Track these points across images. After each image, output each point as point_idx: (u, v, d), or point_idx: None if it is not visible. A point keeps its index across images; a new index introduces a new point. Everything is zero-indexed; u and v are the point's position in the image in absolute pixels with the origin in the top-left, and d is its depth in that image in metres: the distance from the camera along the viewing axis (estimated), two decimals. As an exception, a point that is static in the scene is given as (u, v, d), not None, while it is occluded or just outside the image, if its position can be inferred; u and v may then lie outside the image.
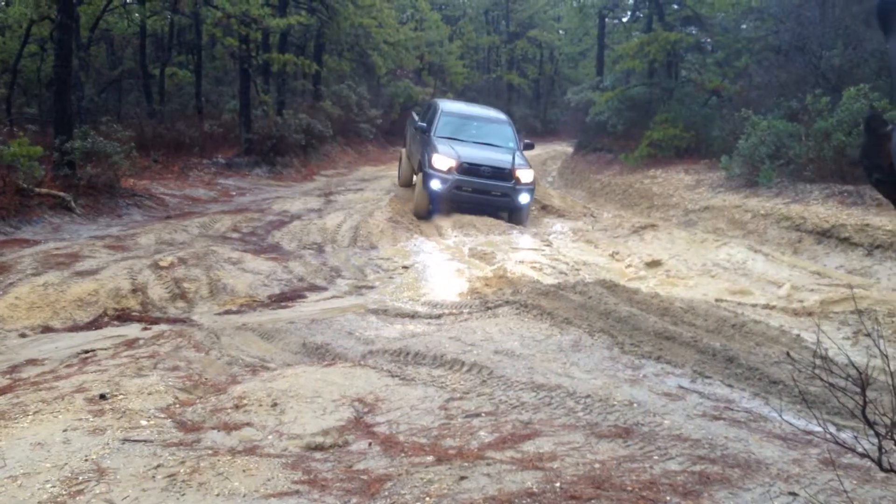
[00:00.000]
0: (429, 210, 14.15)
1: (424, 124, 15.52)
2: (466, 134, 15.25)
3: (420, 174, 14.34)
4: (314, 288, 9.58)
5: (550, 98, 42.31)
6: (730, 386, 4.93)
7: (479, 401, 4.58)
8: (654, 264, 10.68)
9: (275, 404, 4.61)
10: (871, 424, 2.68)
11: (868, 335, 6.21)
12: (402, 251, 11.97)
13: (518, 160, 14.34)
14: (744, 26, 24.44)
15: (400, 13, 31.74)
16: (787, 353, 5.03)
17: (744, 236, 12.54)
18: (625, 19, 28.61)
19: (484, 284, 9.31)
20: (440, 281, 9.98)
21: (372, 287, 9.78)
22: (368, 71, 29.29)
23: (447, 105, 16.63)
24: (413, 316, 7.75)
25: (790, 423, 4.31)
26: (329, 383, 4.92)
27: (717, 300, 7.61)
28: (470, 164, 13.89)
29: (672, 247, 11.77)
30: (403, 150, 17.96)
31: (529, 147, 16.06)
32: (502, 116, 16.84)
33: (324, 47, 26.10)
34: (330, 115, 24.31)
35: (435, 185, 13.79)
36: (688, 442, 3.90)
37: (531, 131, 32.28)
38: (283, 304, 8.67)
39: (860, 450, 3.98)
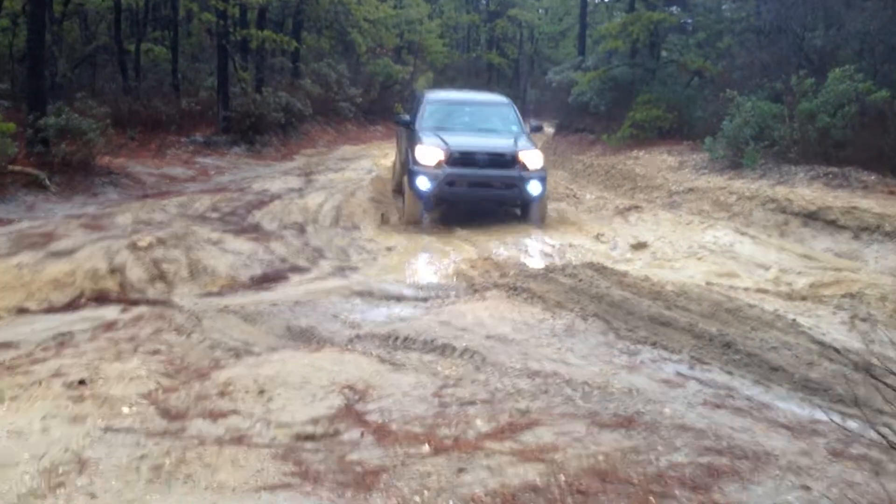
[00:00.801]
0: (422, 215, 11.92)
1: (406, 117, 13.43)
2: (458, 122, 13.03)
3: (406, 176, 12.12)
4: (297, 269, 9.37)
5: (531, 78, 42.09)
6: (729, 373, 4.83)
7: (474, 388, 4.44)
8: (639, 246, 10.57)
9: (262, 391, 4.45)
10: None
11: (864, 320, 6.13)
12: (385, 231, 11.79)
13: (522, 142, 12.21)
14: (724, 7, 24.35)
15: (379, -10, 31.34)
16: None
17: (729, 218, 12.45)
18: (607, -1, 28.44)
19: (470, 266, 9.16)
20: (425, 262, 9.82)
21: (356, 268, 9.59)
22: (348, 49, 28.94)
23: (433, 93, 14.60)
24: (399, 298, 7.58)
25: (794, 412, 4.21)
26: (317, 369, 4.76)
27: (708, 283, 7.50)
28: (462, 152, 11.74)
29: (657, 229, 11.66)
30: (396, 154, 15.41)
31: (538, 129, 14.02)
32: (501, 98, 14.59)
33: (302, 24, 25.70)
34: (309, 94, 23.97)
35: (422, 183, 11.53)
36: (692, 432, 3.79)
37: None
38: (265, 285, 8.47)
39: (865, 440, 3.90)
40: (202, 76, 23.98)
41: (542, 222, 11.89)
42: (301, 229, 11.61)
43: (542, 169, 11.97)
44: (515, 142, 12.19)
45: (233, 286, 8.30)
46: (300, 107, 22.45)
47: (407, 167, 12.02)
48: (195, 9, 20.54)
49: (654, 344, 5.27)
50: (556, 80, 26.40)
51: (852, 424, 4.10)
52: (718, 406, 4.22)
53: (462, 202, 12.17)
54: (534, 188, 11.66)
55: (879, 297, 7.17)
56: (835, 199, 11.77)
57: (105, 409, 4.32)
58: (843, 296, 7.31)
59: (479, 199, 12.16)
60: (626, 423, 3.88)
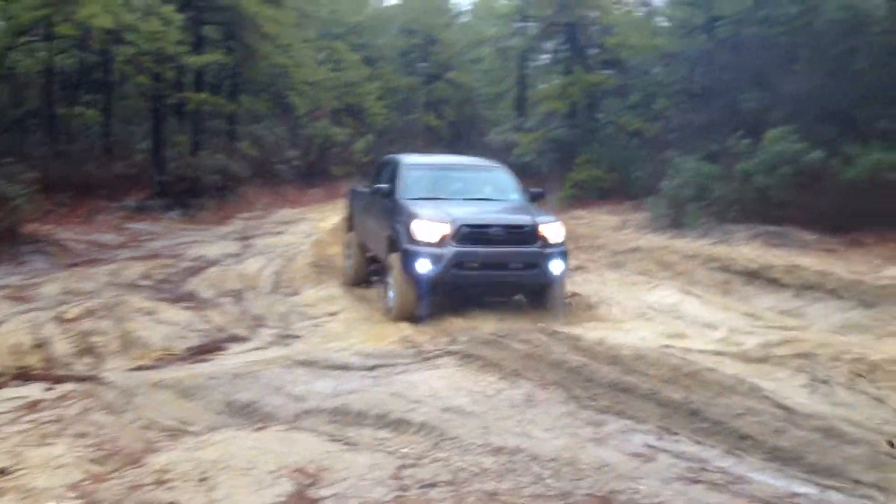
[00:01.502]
0: (419, 308, 9.52)
1: (384, 185, 10.79)
2: (448, 190, 10.78)
3: (394, 257, 9.71)
4: (235, 339, 9.00)
5: (469, 139, 42.37)
6: (698, 443, 4.61)
7: (435, 468, 4.13)
8: (587, 307, 10.44)
9: (203, 478, 4.06)
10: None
11: (825, 382, 6.02)
12: (327, 297, 11.46)
13: (537, 212, 10.27)
14: (655, 70, 24.97)
15: (318, 53, 31.35)
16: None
17: (672, 278, 12.44)
18: (544, 61, 28.94)
19: (416, 332, 8.89)
20: (369, 328, 9.51)
21: (298, 336, 9.25)
22: (286, 111, 28.74)
23: (410, 157, 11.97)
24: (345, 368, 7.23)
25: (771, 484, 4.01)
26: (264, 451, 4.39)
27: (663, 346, 7.34)
28: (472, 226, 9.55)
29: (604, 289, 11.58)
30: (351, 236, 12.77)
31: (539, 196, 11.36)
32: (492, 163, 12.29)
33: (239, 86, 25.50)
34: (247, 156, 23.68)
35: (422, 266, 9.27)
36: (671, 512, 3.54)
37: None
38: (202, 357, 8.07)
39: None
40: (136, 139, 23.51)
41: (565, 312, 9.93)
42: (239, 296, 11.23)
43: (563, 243, 10.00)
44: (529, 212, 10.33)
45: (168, 358, 7.88)
46: (237, 169, 22.12)
47: (399, 248, 9.64)
48: (130, 71, 20.16)
49: (618, 413, 5.03)
50: (497, 140, 26.63)
51: (833, 496, 3.91)
52: (694, 481, 3.99)
53: (471, 288, 9.92)
54: (556, 267, 9.70)
55: (832, 357, 7.10)
56: (776, 258, 11.87)
57: (28, 503, 3.90)
58: (795, 356, 7.22)
59: (493, 283, 9.96)
60: (603, 503, 3.62)
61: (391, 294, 9.82)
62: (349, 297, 11.27)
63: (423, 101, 41.89)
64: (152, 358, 7.88)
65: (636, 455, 4.34)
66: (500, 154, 27.01)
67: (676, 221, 14.85)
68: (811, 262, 11.47)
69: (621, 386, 5.62)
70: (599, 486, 3.83)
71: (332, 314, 10.44)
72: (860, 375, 6.49)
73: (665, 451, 4.45)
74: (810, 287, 10.83)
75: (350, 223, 13.21)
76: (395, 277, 9.66)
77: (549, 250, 9.67)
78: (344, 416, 5.20)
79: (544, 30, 26.14)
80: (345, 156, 29.95)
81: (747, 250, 12.48)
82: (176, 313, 9.52)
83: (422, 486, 3.92)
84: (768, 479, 4.12)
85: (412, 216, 9.64)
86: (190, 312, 9.71)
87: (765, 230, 13.20)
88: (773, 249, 12.36)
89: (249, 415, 5.75)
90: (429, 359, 6.91)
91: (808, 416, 5.17)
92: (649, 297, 10.93)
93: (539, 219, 9.98)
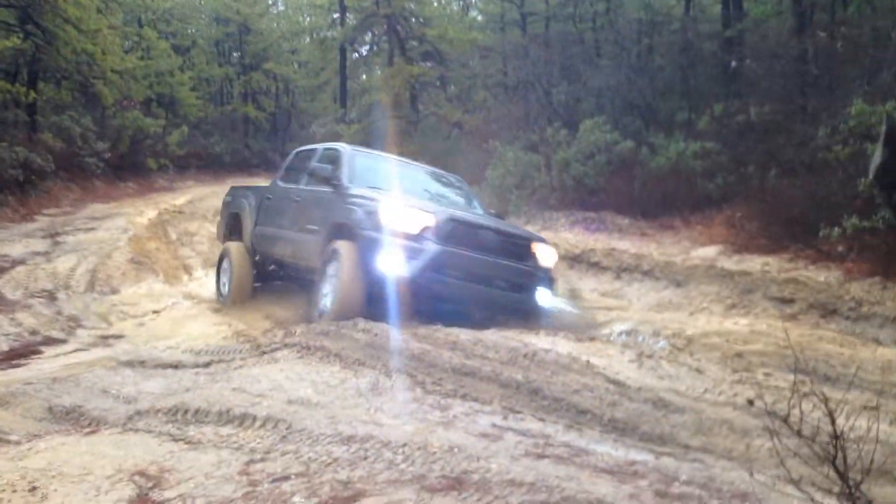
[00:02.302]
0: (360, 313, 7.35)
1: (323, 167, 8.76)
2: (407, 187, 8.78)
3: (345, 246, 7.64)
4: (51, 341, 8.40)
5: (289, 131, 41.69)
6: (541, 420, 4.76)
7: (285, 461, 4.03)
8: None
9: (33, 488, 3.76)
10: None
11: (650, 357, 6.39)
12: (149, 294, 10.93)
13: (524, 229, 9.03)
14: (472, 62, 25.58)
15: (125, 40, 29.77)
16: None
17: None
18: (365, 52, 28.89)
19: (249, 326, 8.68)
20: (199, 325, 9.17)
21: (121, 336, 8.78)
22: (92, 101, 27.06)
23: (351, 147, 9.62)
24: (177, 366, 6.94)
25: (611, 454, 4.20)
26: (99, 456, 4.13)
27: (497, 330, 7.54)
28: (461, 222, 7.82)
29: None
30: (234, 247, 10.49)
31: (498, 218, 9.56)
32: (442, 171, 10.39)
33: (38, 74, 23.74)
34: (51, 149, 22.05)
35: (390, 260, 7.25)
36: (524, 487, 3.63)
37: (271, 166, 31.43)
38: (14, 362, 7.46)
39: (684, 478, 3.97)
40: (-80, 131, 21.37)
41: None
42: (51, 297, 10.50)
43: (553, 269, 8.49)
44: (514, 226, 9.07)
45: (-26, 366, 7.22)
46: (41, 163, 20.58)
47: (354, 233, 7.66)
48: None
49: (463, 396, 5.11)
50: (319, 133, 26.35)
51: (667, 462, 4.15)
52: (540, 456, 4.11)
53: (444, 302, 7.80)
54: (543, 298, 8.11)
55: (653, 334, 7.57)
56: (595, 242, 12.48)
57: None
58: (620, 333, 7.64)
59: (473, 300, 7.87)
60: (457, 484, 3.65)
61: (325, 290, 7.81)
62: (174, 294, 10.81)
63: (239, 92, 40.81)
64: (-44, 367, 7.21)
65: (484, 435, 4.42)
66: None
67: (502, 209, 15.25)
68: (627, 245, 12.15)
69: (464, 370, 5.72)
70: (451, 468, 3.87)
71: (156, 312, 9.98)
72: (679, 349, 6.96)
73: (511, 429, 4.56)
74: (628, 269, 11.47)
75: (231, 230, 11.08)
76: (341, 269, 7.47)
77: (541, 272, 8.17)
78: (183, 415, 4.96)
79: (364, 21, 26.10)
80: (158, 148, 28.61)
81: (569, 235, 13.05)
82: (-21, 318, 8.77)
83: (273, 480, 3.81)
84: (608, 450, 4.32)
85: (378, 200, 7.68)
86: (-3, 316, 8.97)
87: (583, 216, 13.83)
88: (592, 234, 13.00)
89: (76, 420, 5.38)
90: (267, 352, 6.77)
91: (639, 389, 5.47)
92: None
93: (531, 235, 8.76)
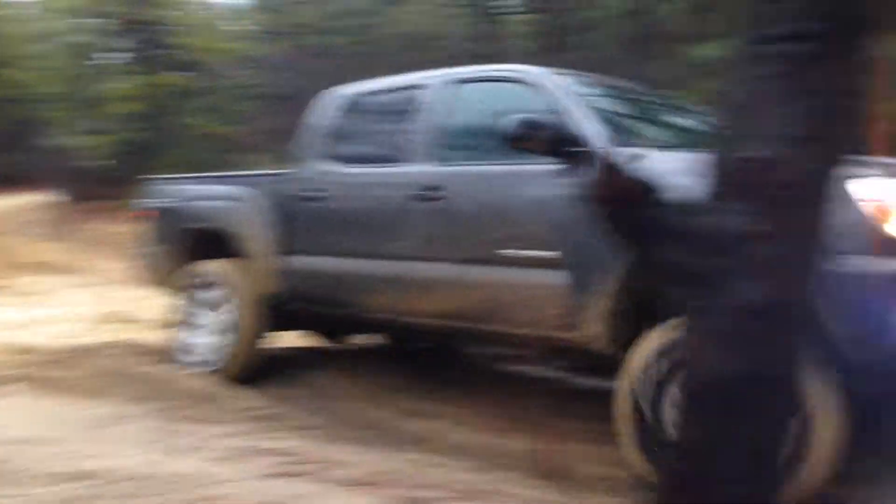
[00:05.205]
0: None
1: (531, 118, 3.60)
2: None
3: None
4: None
5: (24, 142, 37.88)
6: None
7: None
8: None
9: None
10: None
11: None
12: None
13: None
14: (237, 73, 24.69)
15: None
16: None
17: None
18: (115, 59, 26.94)
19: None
20: None
21: None
22: None
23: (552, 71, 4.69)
24: None
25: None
26: None
27: None
28: None
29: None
30: (230, 269, 5.90)
31: None
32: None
33: None
34: None
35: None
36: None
37: (4, 181, 28.06)
38: None
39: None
40: None
41: None
42: None
43: None
44: None
45: None
46: None
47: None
48: None
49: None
50: (62, 143, 24.26)
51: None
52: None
53: None
54: None
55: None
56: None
57: None
58: None
59: None
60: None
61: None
62: None
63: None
64: None
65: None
66: (65, 158, 24.52)
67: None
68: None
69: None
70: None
71: None
72: None
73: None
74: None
75: (179, 261, 6.27)
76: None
77: None
78: None
79: (116, 28, 24.34)
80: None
81: None
82: None
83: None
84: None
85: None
86: None
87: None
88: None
89: None
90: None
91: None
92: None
93: None
